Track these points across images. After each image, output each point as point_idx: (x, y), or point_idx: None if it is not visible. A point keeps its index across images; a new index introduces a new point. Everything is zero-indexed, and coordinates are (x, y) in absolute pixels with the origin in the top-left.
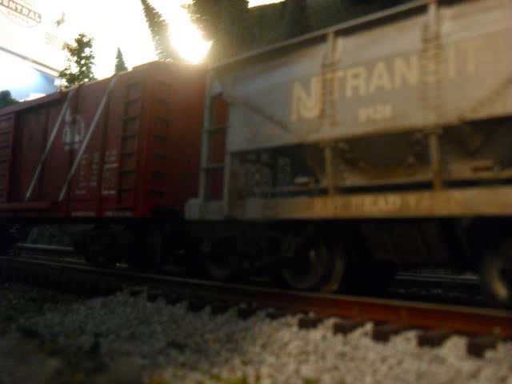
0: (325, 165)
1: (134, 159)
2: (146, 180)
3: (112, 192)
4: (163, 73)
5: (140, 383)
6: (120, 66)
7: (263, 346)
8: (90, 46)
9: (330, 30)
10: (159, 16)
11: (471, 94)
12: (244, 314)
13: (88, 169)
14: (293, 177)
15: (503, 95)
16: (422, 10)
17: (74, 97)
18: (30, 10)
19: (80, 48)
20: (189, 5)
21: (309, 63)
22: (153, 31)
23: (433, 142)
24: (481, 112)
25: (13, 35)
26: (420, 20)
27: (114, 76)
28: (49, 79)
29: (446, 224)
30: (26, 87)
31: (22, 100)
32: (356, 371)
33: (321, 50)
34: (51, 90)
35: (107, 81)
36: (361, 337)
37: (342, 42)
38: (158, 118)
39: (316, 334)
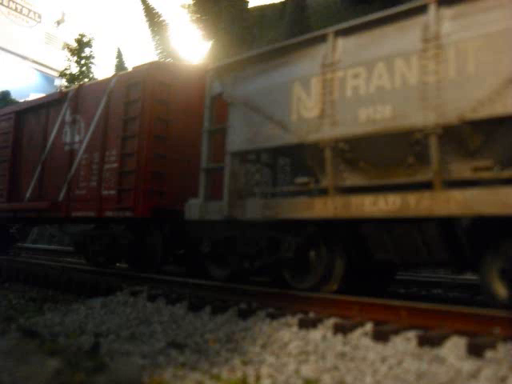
0: (325, 165)
1: (134, 159)
2: (146, 180)
3: (112, 192)
4: (163, 73)
5: (140, 383)
6: (120, 65)
7: (263, 346)
8: (89, 46)
9: (330, 29)
10: (159, 16)
11: (471, 94)
12: (244, 314)
13: (88, 169)
14: (293, 177)
15: (503, 95)
16: (422, 9)
17: (73, 97)
18: (30, 10)
19: (80, 48)
20: (189, 5)
21: (309, 63)
22: (153, 31)
23: (433, 142)
24: (481, 112)
25: (13, 35)
26: (420, 20)
27: (114, 76)
28: (49, 79)
29: (446, 224)
30: (26, 87)
31: (22, 100)
32: (356, 371)
33: (321, 50)
34: (51, 90)
35: (107, 81)
36: (361, 337)
37: (341, 42)
38: (158, 118)
39: (316, 334)
